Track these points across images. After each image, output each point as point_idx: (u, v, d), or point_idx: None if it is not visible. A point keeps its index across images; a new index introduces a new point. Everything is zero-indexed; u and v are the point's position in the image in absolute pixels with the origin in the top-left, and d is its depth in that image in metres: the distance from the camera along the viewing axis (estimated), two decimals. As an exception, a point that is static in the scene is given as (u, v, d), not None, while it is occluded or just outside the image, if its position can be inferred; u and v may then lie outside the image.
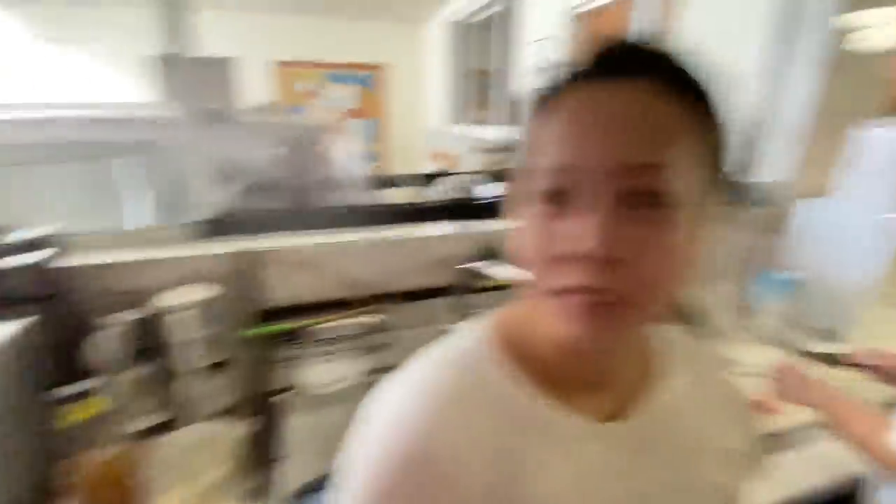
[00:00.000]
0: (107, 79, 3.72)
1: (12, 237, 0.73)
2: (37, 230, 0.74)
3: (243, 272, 0.88)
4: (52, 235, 0.76)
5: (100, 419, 0.61)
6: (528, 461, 0.34)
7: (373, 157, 4.64)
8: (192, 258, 0.87)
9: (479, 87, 3.67)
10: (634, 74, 0.30)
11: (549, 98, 0.33)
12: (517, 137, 0.36)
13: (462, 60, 3.86)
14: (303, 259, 0.94)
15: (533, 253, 0.32)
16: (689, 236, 0.31)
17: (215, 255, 0.87)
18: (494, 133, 3.04)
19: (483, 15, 3.30)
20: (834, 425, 0.67)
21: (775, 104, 1.20)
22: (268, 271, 0.91)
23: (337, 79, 4.43)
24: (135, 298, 0.81)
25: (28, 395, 0.64)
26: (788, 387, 0.78)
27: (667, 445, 0.38)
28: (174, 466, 0.68)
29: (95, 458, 0.55)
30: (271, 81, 4.21)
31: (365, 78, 4.53)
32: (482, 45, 3.43)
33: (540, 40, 2.46)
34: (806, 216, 1.19)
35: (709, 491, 0.39)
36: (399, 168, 4.40)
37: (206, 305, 0.81)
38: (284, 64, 4.23)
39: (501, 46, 2.94)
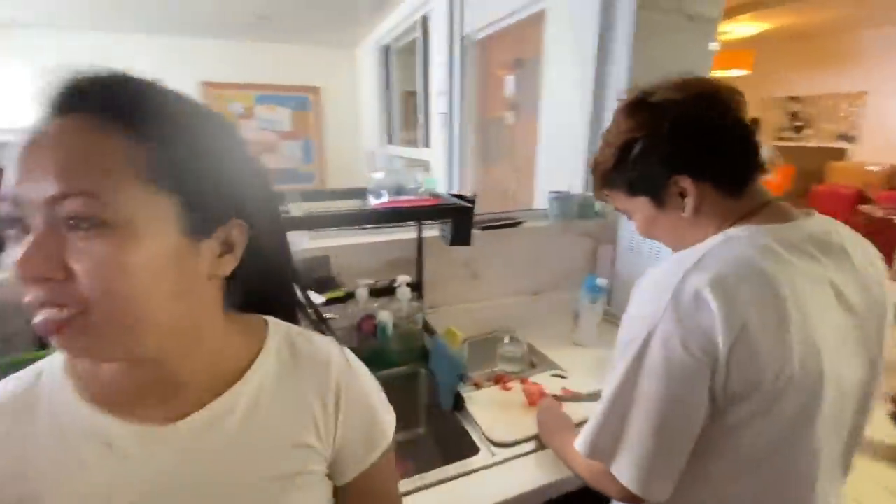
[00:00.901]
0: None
1: None
2: None
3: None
4: None
5: None
6: (61, 461, 0.37)
7: (308, 176, 4.64)
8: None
9: (407, 109, 3.75)
10: (70, 110, 0.33)
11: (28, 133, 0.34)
12: None
13: (391, 83, 3.94)
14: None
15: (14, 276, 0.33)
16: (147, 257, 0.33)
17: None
18: (420, 153, 3.10)
19: (406, 39, 3.40)
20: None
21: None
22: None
23: (268, 100, 4.44)
24: None
25: None
26: (542, 424, 0.82)
27: (222, 442, 0.40)
28: None
29: None
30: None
31: (299, 101, 4.56)
32: (408, 68, 3.51)
33: (440, 65, 2.55)
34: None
35: (264, 482, 0.41)
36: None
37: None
38: (213, 85, 4.22)
39: (421, 70, 3.02)
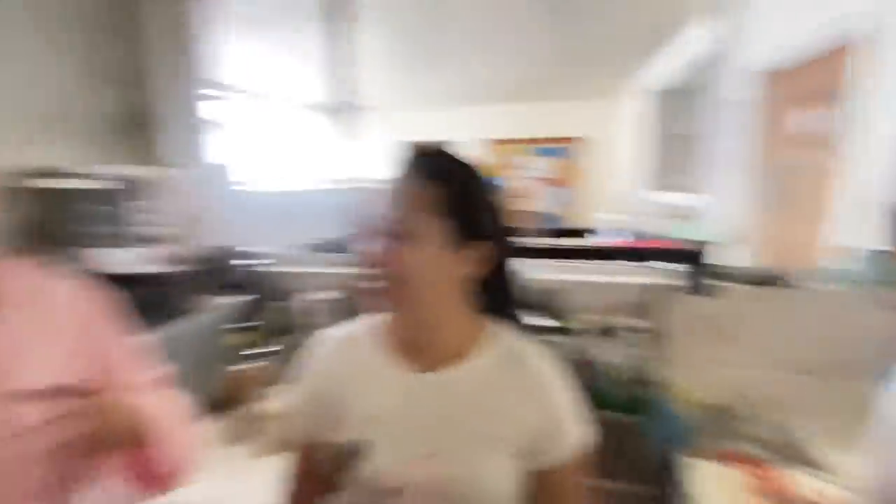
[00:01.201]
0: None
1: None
2: (256, 249, 1.37)
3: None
4: (253, 253, 1.38)
5: (241, 349, 1.10)
6: (356, 385, 0.61)
7: (564, 220, 4.90)
8: (324, 274, 1.38)
9: (673, 153, 3.53)
10: (414, 175, 0.59)
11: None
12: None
13: (662, 127, 3.79)
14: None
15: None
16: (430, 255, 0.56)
17: (336, 273, 1.37)
18: (686, 199, 2.87)
19: (682, 80, 3.25)
20: None
21: None
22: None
23: (537, 152, 4.97)
24: (293, 294, 1.35)
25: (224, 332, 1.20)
26: None
27: (459, 395, 0.60)
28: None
29: (237, 372, 1.04)
30: (490, 157, 5.07)
31: (562, 150, 4.93)
32: (683, 110, 3.33)
33: (733, 103, 2.33)
34: None
35: (475, 435, 0.58)
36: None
37: (325, 305, 1.28)
38: (497, 142, 5.03)
39: (701, 111, 2.82)
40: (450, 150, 0.62)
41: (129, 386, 0.70)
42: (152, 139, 1.44)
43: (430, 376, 0.60)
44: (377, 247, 0.58)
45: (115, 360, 0.68)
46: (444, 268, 0.57)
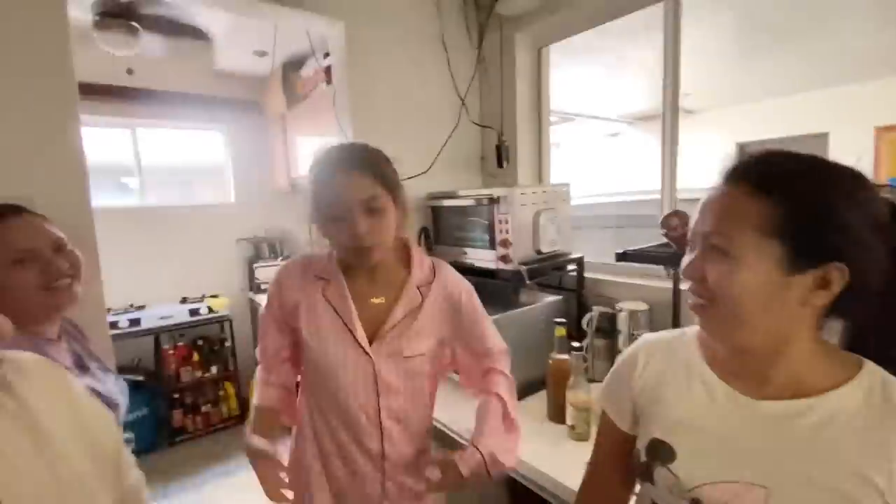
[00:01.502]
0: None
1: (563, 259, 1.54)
2: (577, 255, 1.53)
3: (662, 302, 1.30)
4: (580, 259, 1.53)
5: (564, 341, 1.26)
6: (675, 390, 0.65)
7: None
8: (637, 286, 1.41)
9: None
10: (735, 180, 0.54)
11: None
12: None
13: None
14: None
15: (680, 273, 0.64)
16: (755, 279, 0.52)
17: (648, 286, 1.37)
18: None
19: None
20: None
21: None
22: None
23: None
24: (608, 300, 1.44)
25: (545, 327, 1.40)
26: None
27: (788, 434, 0.53)
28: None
29: (557, 358, 1.22)
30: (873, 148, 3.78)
31: None
32: None
33: None
34: None
35: (816, 486, 0.50)
36: None
37: (639, 315, 1.32)
38: (887, 129, 3.67)
39: None
40: (790, 151, 0.53)
41: (483, 353, 1.00)
42: (513, 165, 1.85)
43: (765, 405, 0.55)
44: (694, 263, 0.56)
45: (477, 331, 0.99)
46: (776, 294, 0.51)
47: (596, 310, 1.43)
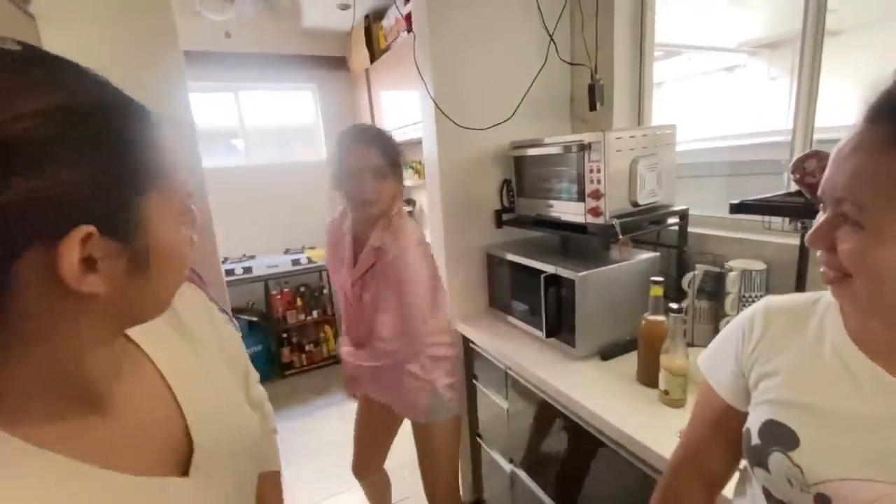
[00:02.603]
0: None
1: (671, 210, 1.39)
2: (680, 208, 1.37)
3: (784, 261, 1.12)
4: (685, 211, 1.37)
5: (660, 301, 1.15)
6: (801, 368, 0.56)
7: None
8: (754, 242, 1.23)
9: None
10: (879, 120, 0.41)
11: None
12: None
13: None
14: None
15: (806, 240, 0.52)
16: None
17: (766, 242, 1.18)
18: None
19: None
20: None
21: None
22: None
23: None
24: (715, 258, 1.28)
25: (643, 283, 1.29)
26: None
27: None
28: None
29: (651, 319, 1.12)
30: None
31: None
32: None
33: None
34: None
35: None
36: None
37: (754, 275, 1.15)
38: None
39: None
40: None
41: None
42: (608, 107, 1.67)
43: None
44: (821, 230, 0.46)
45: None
46: None
47: (700, 268, 1.28)
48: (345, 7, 2.72)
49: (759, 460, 0.55)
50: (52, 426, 0.36)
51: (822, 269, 0.49)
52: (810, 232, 0.48)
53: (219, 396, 0.52)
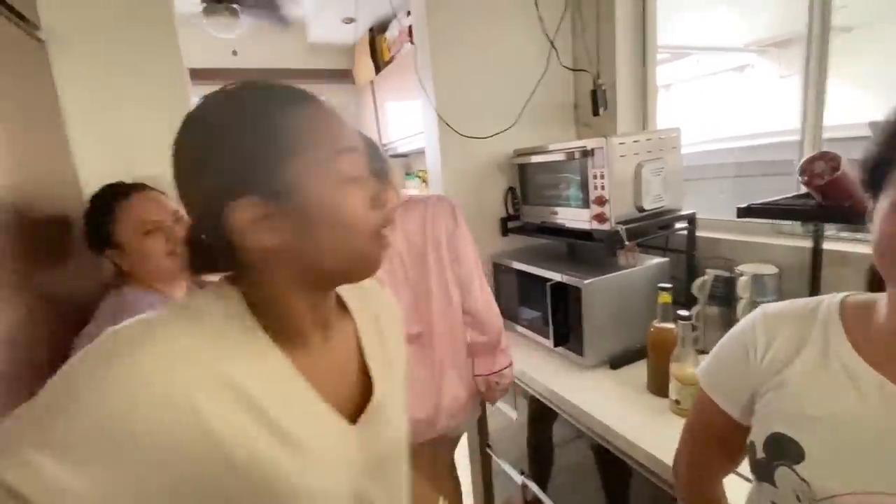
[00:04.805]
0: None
1: (674, 216, 1.36)
2: (687, 212, 1.35)
3: (795, 265, 1.09)
4: (692, 215, 1.34)
5: (669, 308, 1.13)
6: (805, 377, 0.53)
7: None
8: (764, 245, 1.19)
9: None
10: None
11: None
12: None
13: None
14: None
15: None
16: None
17: (777, 246, 1.15)
18: None
19: None
20: None
21: None
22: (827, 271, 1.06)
23: None
24: (725, 263, 1.26)
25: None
26: None
27: None
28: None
29: (659, 327, 1.09)
30: None
31: None
32: None
33: None
34: None
35: None
36: None
37: (765, 279, 1.12)
38: None
39: None
40: None
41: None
42: (612, 111, 1.66)
43: None
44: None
45: None
46: None
47: (710, 273, 1.25)
48: (349, 21, 2.76)
49: (765, 474, 0.52)
50: (286, 332, 0.45)
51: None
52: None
53: (391, 372, 0.58)
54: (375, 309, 0.60)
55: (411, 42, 2.25)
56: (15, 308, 0.79)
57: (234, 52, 2.79)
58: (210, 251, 0.45)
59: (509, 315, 1.65)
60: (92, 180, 1.10)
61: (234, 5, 2.29)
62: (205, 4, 2.22)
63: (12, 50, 0.98)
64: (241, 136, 0.41)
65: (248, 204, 0.41)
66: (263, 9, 2.45)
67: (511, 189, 1.70)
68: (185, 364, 0.37)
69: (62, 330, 0.90)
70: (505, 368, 1.28)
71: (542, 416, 1.33)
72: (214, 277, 0.48)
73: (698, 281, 1.27)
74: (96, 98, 1.22)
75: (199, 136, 0.43)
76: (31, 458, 0.32)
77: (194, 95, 1.36)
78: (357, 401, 0.51)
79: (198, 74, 1.69)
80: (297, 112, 0.44)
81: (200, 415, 0.36)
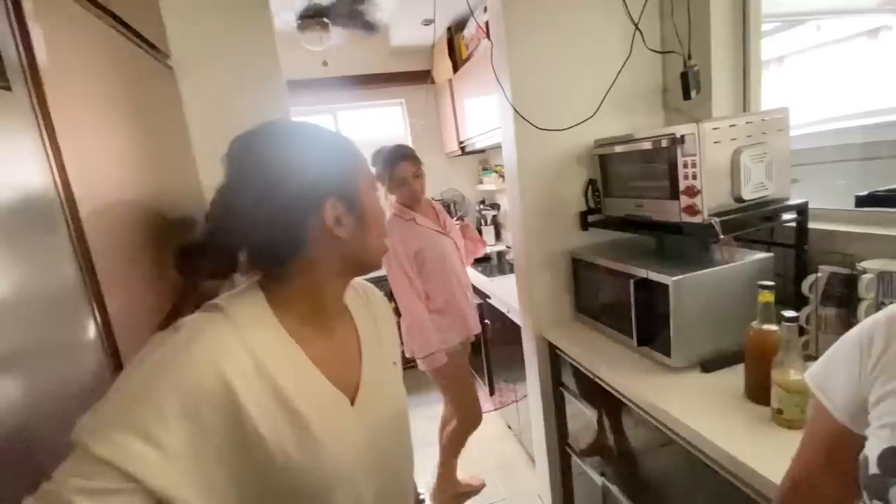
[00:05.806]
0: None
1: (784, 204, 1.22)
2: (797, 202, 1.20)
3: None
4: (803, 205, 1.19)
5: (771, 308, 1.01)
6: None
7: None
8: (891, 238, 1.03)
9: None
10: None
11: None
12: None
13: None
14: None
15: None
16: None
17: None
18: None
19: None
20: None
21: None
22: None
23: None
24: (844, 259, 1.10)
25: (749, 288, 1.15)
26: None
27: None
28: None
29: (760, 329, 0.99)
30: None
31: None
32: None
33: None
34: None
35: None
36: None
37: (895, 278, 0.97)
38: None
39: None
40: None
41: None
42: (706, 94, 1.53)
43: None
44: None
45: None
46: None
47: (824, 270, 1.11)
48: (428, 22, 2.83)
49: (879, 493, 0.47)
50: (301, 328, 0.57)
51: None
52: None
53: (384, 361, 0.70)
54: (374, 309, 0.73)
55: (488, 38, 2.26)
56: (157, 292, 0.95)
57: (325, 63, 3.00)
58: (220, 256, 0.58)
59: (589, 312, 1.60)
60: (211, 187, 1.27)
61: (325, 19, 2.46)
62: (299, 21, 2.43)
63: (152, 78, 1.16)
64: (333, 154, 0.58)
65: (335, 204, 0.56)
66: (351, 19, 2.61)
67: (591, 181, 1.64)
68: (226, 358, 0.49)
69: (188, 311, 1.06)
70: None
71: (621, 416, 1.28)
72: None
73: (810, 278, 1.13)
74: (210, 114, 1.40)
75: (297, 150, 0.57)
76: (118, 437, 0.42)
77: (293, 105, 1.51)
78: (357, 385, 0.62)
79: (294, 85, 1.87)
80: (353, 142, 0.63)
81: (237, 396, 0.48)
